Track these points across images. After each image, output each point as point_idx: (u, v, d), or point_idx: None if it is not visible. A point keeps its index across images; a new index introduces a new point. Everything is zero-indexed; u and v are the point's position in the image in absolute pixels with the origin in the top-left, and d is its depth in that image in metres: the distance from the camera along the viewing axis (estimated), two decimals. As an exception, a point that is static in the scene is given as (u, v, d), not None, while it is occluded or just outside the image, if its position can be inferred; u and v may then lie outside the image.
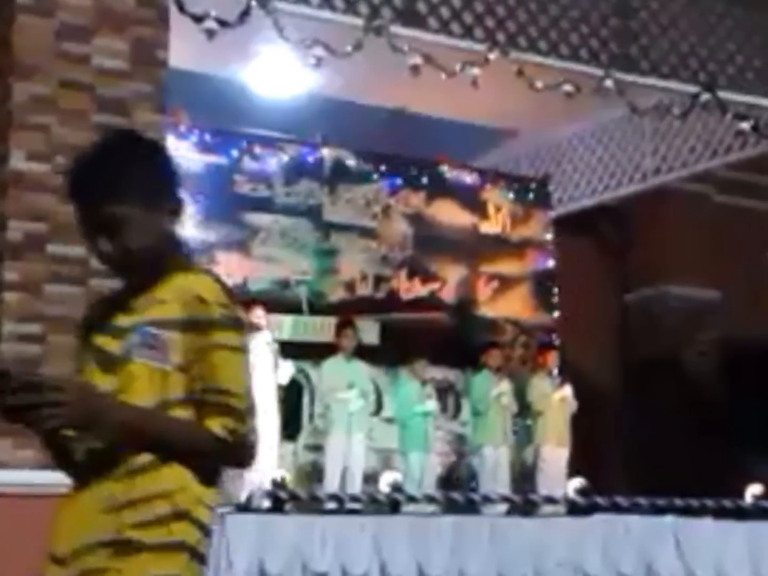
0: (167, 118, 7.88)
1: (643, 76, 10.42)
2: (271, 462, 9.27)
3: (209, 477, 3.02)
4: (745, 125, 10.89)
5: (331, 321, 11.29)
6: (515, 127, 13.03)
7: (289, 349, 10.15)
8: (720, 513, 9.36)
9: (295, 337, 11.11)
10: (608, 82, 10.12)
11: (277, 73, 10.60)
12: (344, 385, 10.19)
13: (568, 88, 10.09)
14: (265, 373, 9.68)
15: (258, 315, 9.87)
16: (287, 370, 9.94)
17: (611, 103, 10.60)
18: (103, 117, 7.30)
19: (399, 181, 12.44)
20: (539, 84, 10.03)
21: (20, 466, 6.69)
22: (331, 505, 8.48)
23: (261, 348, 9.68)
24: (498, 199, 13.06)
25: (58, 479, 6.53)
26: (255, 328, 9.77)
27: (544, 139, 13.39)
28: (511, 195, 13.16)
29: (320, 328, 11.37)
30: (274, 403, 9.72)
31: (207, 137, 11.31)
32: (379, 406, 11.38)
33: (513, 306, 12.92)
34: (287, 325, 11.14)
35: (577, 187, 13.50)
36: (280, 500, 7.97)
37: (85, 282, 7.08)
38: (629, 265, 14.93)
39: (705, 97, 10.55)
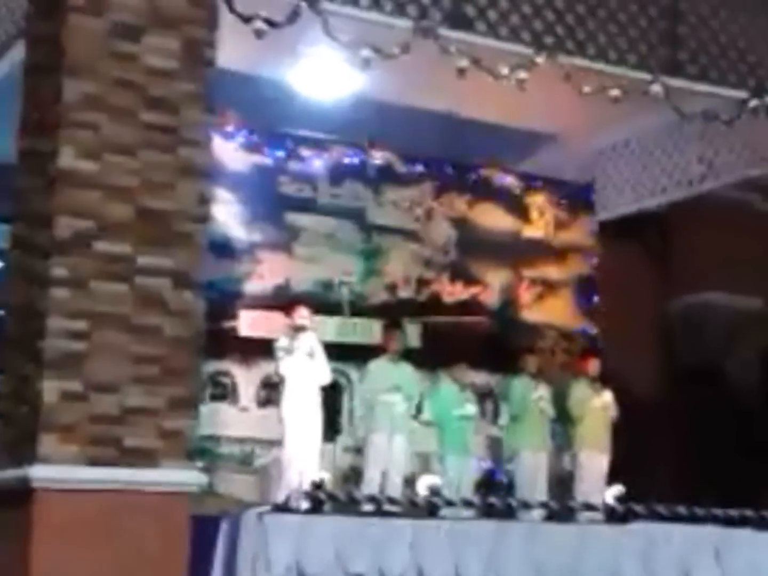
0: (214, 118, 7.90)
1: (691, 81, 10.35)
2: (310, 463, 9.29)
3: None
4: (793, 132, 10.80)
5: (372, 323, 11.32)
6: (561, 131, 12.97)
7: (330, 351, 10.17)
8: (760, 524, 9.30)
9: (338, 338, 11.13)
10: (656, 87, 10.07)
11: (324, 74, 10.61)
12: (390, 387, 10.21)
13: (615, 92, 10.04)
14: (309, 374, 9.71)
15: (303, 315, 9.90)
16: (327, 373, 9.95)
17: (658, 108, 10.53)
18: (152, 116, 7.35)
19: (443, 183, 12.44)
20: (586, 88, 9.98)
21: (64, 462, 6.75)
22: (370, 507, 8.48)
23: (305, 348, 9.72)
24: (542, 203, 13.02)
25: (101, 475, 6.65)
26: (300, 328, 9.80)
27: (589, 143, 13.33)
28: (555, 200, 13.12)
29: (362, 330, 11.39)
30: (317, 404, 9.74)
31: (253, 137, 11.36)
32: (418, 410, 11.39)
33: (555, 311, 12.88)
34: (331, 327, 11.16)
35: (621, 193, 13.43)
36: (318, 501, 7.99)
37: (132, 280, 7.14)
38: (672, 272, 14.86)
39: (753, 102, 10.48)
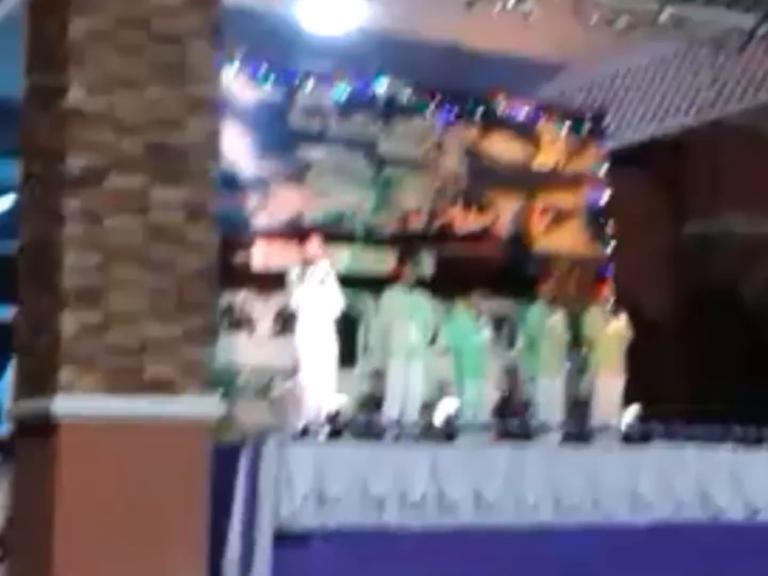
0: (223, 53, 7.90)
1: (700, 8, 10.28)
2: (327, 391, 9.39)
3: None
4: (805, 58, 10.73)
5: (386, 253, 11.38)
6: (570, 59, 12.93)
7: (344, 281, 10.24)
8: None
9: (351, 268, 11.20)
10: (664, 16, 10.01)
11: (331, 7, 10.59)
12: (404, 315, 10.28)
13: (622, 23, 9.99)
14: (322, 304, 9.78)
15: (315, 245, 9.96)
16: (339, 303, 10.02)
17: (667, 35, 10.48)
18: (160, 50, 7.35)
19: (453, 114, 12.42)
20: (594, 18, 9.94)
21: (85, 393, 6.85)
22: (389, 433, 8.58)
23: (318, 278, 9.79)
24: (552, 132, 13.00)
25: (121, 406, 6.74)
26: (312, 258, 9.87)
27: (599, 71, 13.29)
28: (565, 128, 13.09)
29: (376, 260, 11.45)
30: (331, 332, 9.82)
31: (262, 72, 11.36)
32: (434, 337, 11.46)
33: (567, 238, 12.92)
34: (344, 257, 11.23)
35: (632, 120, 13.40)
36: (337, 428, 8.09)
37: (145, 214, 7.19)
38: (686, 199, 14.86)
39: (763, 29, 10.41)
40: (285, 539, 7.56)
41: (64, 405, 6.74)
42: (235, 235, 10.48)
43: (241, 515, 7.63)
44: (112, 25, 7.23)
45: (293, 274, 9.81)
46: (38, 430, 6.87)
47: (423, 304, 10.56)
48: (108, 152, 7.11)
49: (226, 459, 7.54)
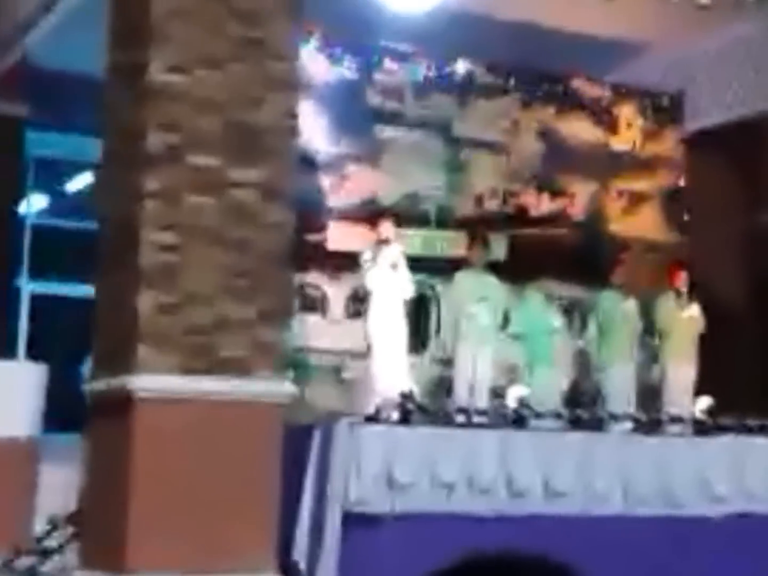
0: (302, 31, 7.88)
1: (785, -13, 10.10)
2: (399, 374, 9.36)
3: None
4: None
5: (458, 236, 11.31)
6: (648, 40, 12.74)
7: (416, 264, 10.19)
8: None
9: (423, 251, 11.15)
10: (746, -7, 9.83)
11: (409, -15, 10.53)
12: (475, 298, 10.20)
13: (705, 1, 9.83)
14: (394, 287, 9.74)
15: (387, 228, 9.90)
16: (410, 287, 9.97)
17: (750, 16, 10.29)
18: (240, 28, 7.35)
19: (529, 95, 12.30)
20: (675, -5, 9.78)
21: (161, 372, 6.89)
22: (459, 418, 8.54)
23: (390, 261, 9.75)
24: (629, 114, 12.84)
25: (196, 385, 6.77)
26: (384, 241, 9.82)
27: (678, 53, 13.06)
28: (643, 110, 12.92)
29: (449, 243, 11.38)
30: (401, 316, 9.78)
31: (339, 50, 11.29)
32: (506, 322, 11.39)
33: (642, 223, 12.76)
34: (417, 240, 11.18)
35: (711, 103, 13.18)
36: (408, 412, 8.07)
37: (222, 193, 7.20)
38: (763, 184, 14.59)
39: None
40: (354, 520, 7.58)
41: (141, 383, 6.81)
42: (309, 216, 10.45)
43: (312, 495, 7.65)
44: (194, 3, 7.24)
45: (365, 257, 9.77)
46: (115, 408, 6.94)
47: (493, 287, 10.47)
48: (187, 131, 7.14)
49: (298, 439, 7.57)
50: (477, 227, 11.27)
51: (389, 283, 9.76)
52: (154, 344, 6.86)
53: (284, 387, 7.28)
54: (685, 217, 12.99)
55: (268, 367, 7.23)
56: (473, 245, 10.59)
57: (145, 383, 6.81)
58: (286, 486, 7.20)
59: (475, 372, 10.12)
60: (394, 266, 9.77)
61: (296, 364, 9.86)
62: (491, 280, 10.47)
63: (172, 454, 6.82)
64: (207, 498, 6.92)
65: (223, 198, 7.21)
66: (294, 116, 7.60)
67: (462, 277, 10.42)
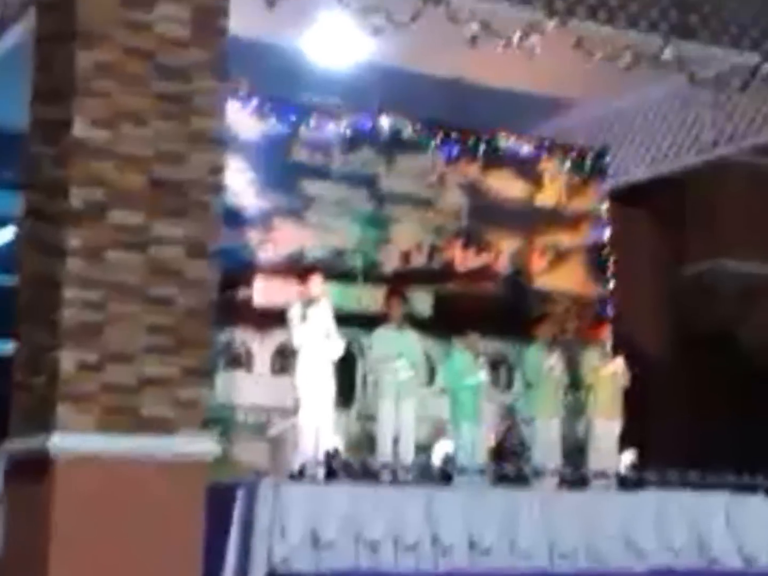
0: (227, 86, 7.88)
1: (703, 46, 10.28)
2: (325, 431, 9.32)
3: None
4: (807, 97, 10.73)
5: (378, 291, 11.33)
6: (573, 97, 12.92)
7: (343, 319, 10.19)
8: (771, 490, 9.33)
9: (350, 306, 11.15)
10: (667, 53, 10.00)
11: (336, 41, 10.57)
12: (394, 354, 10.22)
13: (626, 58, 9.98)
14: (322, 343, 9.72)
15: (316, 284, 9.90)
16: (339, 345, 9.94)
17: (670, 73, 10.47)
18: (164, 84, 7.34)
19: (456, 150, 12.39)
20: (598, 54, 9.93)
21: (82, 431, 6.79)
22: (384, 475, 8.51)
23: (319, 317, 9.73)
24: (554, 170, 12.97)
25: (118, 444, 6.67)
26: (314, 297, 9.80)
27: (601, 109, 13.27)
28: (567, 166, 13.07)
29: (374, 298, 11.39)
30: (330, 372, 9.75)
31: (266, 105, 11.32)
32: (431, 378, 11.41)
33: (567, 278, 12.85)
34: (343, 295, 11.16)
35: (634, 159, 13.39)
36: (333, 470, 8.03)
37: (145, 249, 7.14)
38: (686, 238, 14.84)
39: (766, 67, 10.41)
40: (278, 582, 7.50)
41: (61, 443, 6.69)
42: (236, 271, 10.43)
43: (234, 556, 7.57)
44: (119, 58, 7.22)
45: (294, 312, 9.74)
46: (34, 468, 6.81)
47: (413, 342, 10.51)
48: (110, 186, 7.08)
49: (221, 499, 7.48)
50: (402, 283, 11.29)
51: (318, 339, 9.74)
52: (74, 403, 6.76)
53: (207, 445, 7.20)
54: (610, 272, 13.12)
55: (191, 425, 7.15)
56: (391, 301, 10.62)
57: (64, 443, 6.70)
58: (209, 547, 7.11)
59: (398, 427, 10.12)
60: (323, 322, 9.76)
61: (221, 422, 9.79)
62: (410, 335, 10.51)
63: (92, 516, 6.70)
64: (128, 561, 6.81)
65: (146, 254, 7.15)
66: (219, 172, 7.58)
67: (381, 333, 10.46)
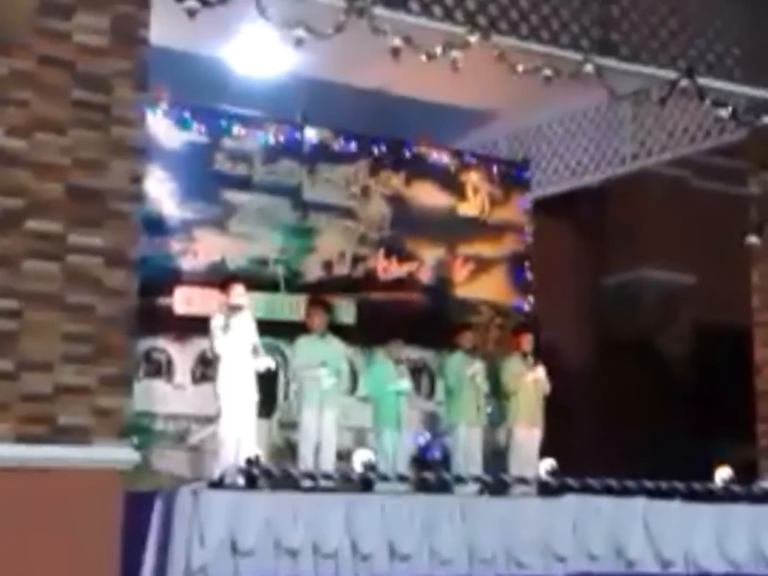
0: (147, 96, 7.89)
1: (623, 61, 10.47)
2: (246, 440, 9.33)
3: None
4: (724, 112, 10.94)
5: (300, 300, 11.37)
6: (495, 109, 13.06)
7: (265, 327, 10.20)
8: (689, 496, 9.45)
9: (268, 315, 11.16)
10: (588, 67, 10.16)
11: (258, 52, 10.61)
12: (317, 362, 10.25)
13: (547, 72, 10.12)
14: (245, 353, 9.72)
15: (239, 293, 9.90)
16: (267, 360, 9.96)
17: (591, 87, 10.64)
18: (83, 93, 7.33)
19: (379, 161, 12.48)
20: (519, 68, 10.05)
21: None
22: (305, 482, 8.53)
23: (241, 326, 9.73)
24: (477, 181, 13.11)
25: (33, 453, 6.63)
26: (236, 307, 9.80)
27: (524, 122, 13.45)
28: (490, 177, 13.21)
29: (296, 307, 11.42)
30: (252, 381, 9.76)
31: (187, 115, 11.33)
32: (354, 385, 11.46)
33: (489, 288, 12.99)
34: (261, 304, 11.18)
35: (556, 171, 13.57)
36: (253, 477, 8.03)
37: (63, 258, 7.12)
38: (607, 249, 15.04)
39: (684, 83, 10.61)
40: (197, 590, 7.47)
41: (-24, 452, 6.65)
42: (156, 279, 10.42)
43: (152, 564, 7.51)
44: (36, 66, 7.20)
45: (216, 323, 9.73)
46: (-53, 478, 6.75)
47: (335, 350, 10.55)
48: (27, 195, 7.05)
49: (139, 507, 7.45)
50: (326, 291, 11.34)
51: (240, 348, 9.74)
52: (-10, 413, 6.73)
53: (126, 454, 7.19)
54: (532, 282, 13.26)
55: (110, 433, 7.13)
56: (313, 310, 10.65)
57: (-22, 452, 6.67)
58: (127, 556, 7.09)
59: (320, 435, 10.15)
60: (245, 331, 9.76)
61: (140, 431, 9.76)
62: (332, 343, 10.55)
63: (8, 525, 6.66)
64: (46, 571, 6.77)
65: (64, 263, 7.13)
66: (139, 181, 7.58)
67: (303, 342, 10.48)
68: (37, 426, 6.88)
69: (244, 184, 11.58)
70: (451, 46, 9.66)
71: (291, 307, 11.46)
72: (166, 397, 10.76)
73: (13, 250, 6.97)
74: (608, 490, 9.30)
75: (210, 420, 9.87)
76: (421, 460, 11.15)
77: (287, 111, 11.74)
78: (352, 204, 12.26)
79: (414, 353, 11.96)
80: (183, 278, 11.07)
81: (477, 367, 11.41)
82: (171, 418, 10.70)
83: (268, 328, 10.40)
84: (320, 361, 10.24)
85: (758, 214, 11.34)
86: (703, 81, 10.71)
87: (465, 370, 11.35)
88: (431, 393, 12.25)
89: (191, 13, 8.56)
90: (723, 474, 9.76)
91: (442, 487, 9.16)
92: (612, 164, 13.09)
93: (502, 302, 13.02)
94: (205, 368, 10.71)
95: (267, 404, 10.59)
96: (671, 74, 10.64)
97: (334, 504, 8.10)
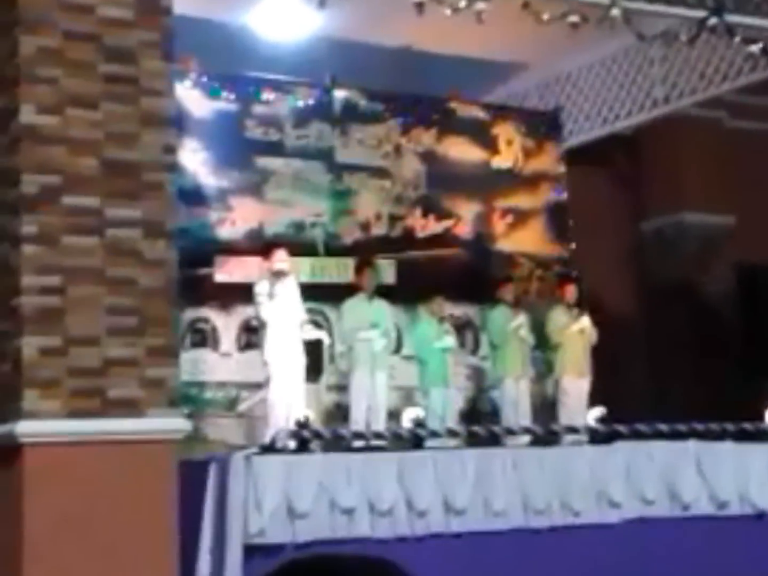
0: (175, 66, 7.86)
1: (650, 2, 10.33)
2: (296, 403, 9.36)
3: None
4: (755, 48, 10.81)
5: (347, 262, 11.35)
6: (524, 60, 12.97)
7: (306, 291, 10.21)
8: (741, 436, 9.41)
9: (312, 279, 11.18)
10: (614, 11, 10.06)
11: (282, 16, 10.58)
12: (367, 324, 10.26)
13: (574, 18, 10.03)
14: (291, 318, 9.74)
15: (282, 259, 9.90)
16: (316, 332, 9.95)
17: (619, 32, 10.53)
18: (111, 67, 7.31)
19: (410, 119, 12.42)
20: (545, 16, 9.97)
21: (49, 416, 6.79)
22: (356, 443, 8.55)
23: (285, 292, 9.74)
24: (509, 133, 13.03)
25: (86, 427, 6.69)
26: (279, 272, 9.80)
27: (553, 71, 13.35)
28: (522, 129, 13.13)
29: (337, 270, 11.42)
30: (299, 346, 9.78)
31: (216, 84, 11.31)
32: (398, 345, 11.46)
33: (528, 239, 12.94)
34: (305, 268, 11.20)
35: (588, 118, 13.46)
36: (304, 440, 8.05)
37: (102, 232, 7.14)
38: (643, 194, 14.93)
39: (713, 21, 10.48)
40: (255, 554, 7.52)
41: (28, 428, 6.69)
42: (196, 250, 10.44)
43: (210, 531, 7.57)
44: (62, 42, 7.19)
45: (261, 288, 9.73)
46: (3, 456, 6.81)
47: (384, 312, 10.55)
48: (63, 172, 7.07)
49: (194, 475, 7.49)
50: (365, 252, 11.33)
51: (285, 313, 9.76)
52: (40, 389, 6.74)
53: (177, 423, 7.22)
54: (570, 231, 13.19)
55: (160, 404, 7.16)
56: (361, 271, 10.64)
57: (32, 429, 6.69)
58: (184, 524, 7.14)
59: (372, 397, 10.17)
60: (289, 296, 9.78)
61: (190, 400, 9.81)
62: (381, 305, 10.54)
63: (65, 499, 6.71)
64: (102, 542, 6.81)
65: (103, 237, 7.15)
66: (172, 151, 7.57)
67: (352, 304, 10.47)
68: (88, 400, 6.91)
69: (277, 149, 11.56)
70: (473, -1, 9.58)
71: (331, 270, 11.46)
72: (213, 366, 10.80)
73: (52, 227, 6.98)
74: (659, 435, 9.27)
75: (258, 386, 9.91)
76: (470, 415, 11.15)
77: (315, 74, 11.70)
78: (386, 164, 12.21)
79: (457, 309, 11.95)
80: (222, 247, 11.09)
81: (520, 320, 11.39)
82: (219, 387, 10.75)
83: (309, 291, 10.40)
84: (370, 323, 10.26)
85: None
86: (731, 18, 10.56)
87: (508, 323, 11.33)
88: (476, 348, 12.24)
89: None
90: (774, 413, 9.70)
91: (493, 441, 9.16)
92: (644, 108, 12.97)
93: (541, 253, 12.96)
94: (250, 335, 10.75)
95: (314, 368, 10.62)
96: (699, 13, 10.51)
97: (387, 462, 8.12)
